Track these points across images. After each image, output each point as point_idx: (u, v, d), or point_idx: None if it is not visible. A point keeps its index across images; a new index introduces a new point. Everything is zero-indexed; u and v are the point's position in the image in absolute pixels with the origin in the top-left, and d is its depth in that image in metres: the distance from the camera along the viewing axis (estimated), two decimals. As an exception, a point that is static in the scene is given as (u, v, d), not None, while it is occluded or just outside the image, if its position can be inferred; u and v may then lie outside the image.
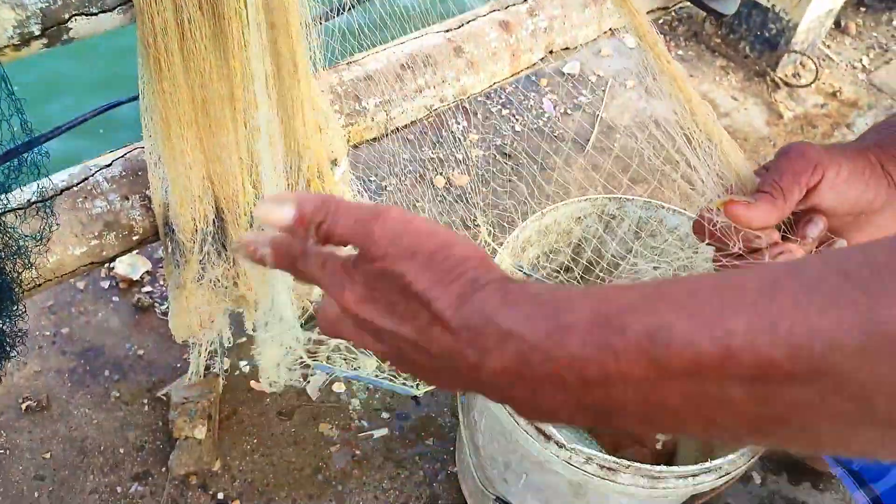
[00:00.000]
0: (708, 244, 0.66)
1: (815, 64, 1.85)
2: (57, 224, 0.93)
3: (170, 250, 1.04)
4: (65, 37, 0.80)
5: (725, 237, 0.63)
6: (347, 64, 1.20)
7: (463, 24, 1.29)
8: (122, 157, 1.05)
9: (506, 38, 1.30)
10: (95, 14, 0.80)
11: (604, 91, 1.81)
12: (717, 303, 0.31)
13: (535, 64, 1.38)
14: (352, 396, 1.26)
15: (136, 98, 0.99)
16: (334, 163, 1.11)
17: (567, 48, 1.42)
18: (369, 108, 1.19)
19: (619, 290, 0.34)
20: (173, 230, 1.02)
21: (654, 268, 0.99)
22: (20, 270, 0.92)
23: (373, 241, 0.40)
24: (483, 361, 0.36)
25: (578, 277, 1.06)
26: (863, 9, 2.09)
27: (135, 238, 1.05)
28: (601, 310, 0.33)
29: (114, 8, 0.81)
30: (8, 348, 0.90)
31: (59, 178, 1.01)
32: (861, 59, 1.96)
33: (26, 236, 0.89)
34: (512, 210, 1.53)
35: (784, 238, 0.63)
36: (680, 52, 1.92)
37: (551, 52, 1.38)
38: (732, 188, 0.66)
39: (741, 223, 0.62)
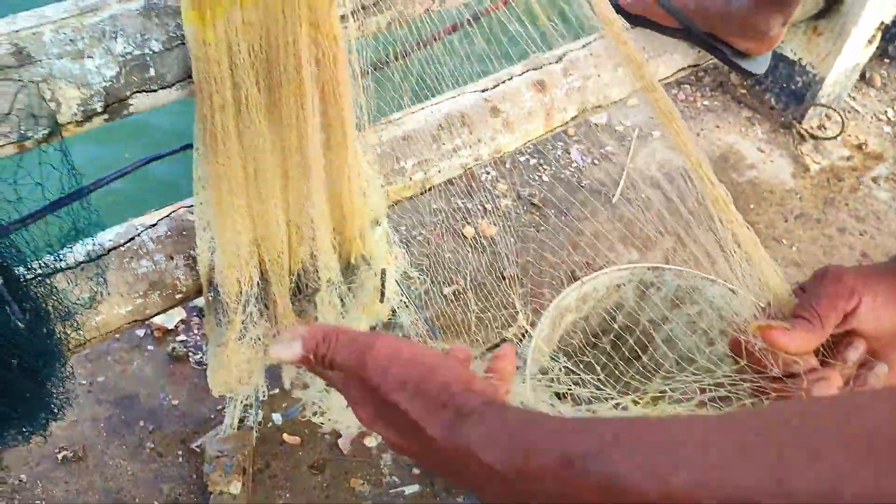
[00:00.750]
0: (746, 365, 0.67)
1: (841, 117, 1.86)
2: (108, 292, 0.94)
3: (213, 310, 1.06)
4: (125, 112, 0.82)
5: (763, 360, 0.64)
6: (386, 123, 1.23)
7: (499, 84, 1.31)
8: (168, 216, 1.07)
9: (541, 97, 1.32)
10: (155, 91, 0.82)
11: (630, 141, 1.83)
12: (662, 457, 0.37)
13: (568, 122, 1.39)
14: (383, 451, 1.26)
15: (175, 151, 1.02)
16: (375, 222, 1.12)
17: (599, 106, 1.44)
18: (407, 168, 1.21)
19: (583, 435, 0.40)
20: (217, 291, 1.03)
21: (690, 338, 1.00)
22: (69, 333, 0.94)
23: (367, 372, 0.48)
24: (471, 479, 0.44)
25: (609, 347, 1.07)
26: (887, 60, 2.10)
27: (178, 296, 1.07)
28: (567, 453, 0.40)
29: (173, 84, 0.83)
30: (56, 410, 0.92)
31: (107, 238, 1.03)
32: (886, 112, 1.98)
33: (77, 303, 0.91)
34: (539, 261, 1.54)
35: (823, 362, 0.64)
36: (706, 103, 1.94)
37: (584, 110, 1.40)
38: (770, 309, 0.67)
39: (778, 348, 0.63)
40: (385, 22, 0.95)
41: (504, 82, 1.31)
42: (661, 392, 0.75)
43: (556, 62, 1.36)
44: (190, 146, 0.90)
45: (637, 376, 1.08)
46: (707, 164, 0.97)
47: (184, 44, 0.80)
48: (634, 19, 1.45)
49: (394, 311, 1.20)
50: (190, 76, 0.83)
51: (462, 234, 1.59)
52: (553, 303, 0.94)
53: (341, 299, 1.10)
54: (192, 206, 1.09)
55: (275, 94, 0.85)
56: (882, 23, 1.75)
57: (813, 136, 1.87)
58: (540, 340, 0.88)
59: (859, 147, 1.88)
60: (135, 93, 0.80)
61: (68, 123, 0.78)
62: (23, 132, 0.75)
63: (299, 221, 1.00)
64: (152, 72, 0.80)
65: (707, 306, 1.04)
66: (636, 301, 1.06)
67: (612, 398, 0.76)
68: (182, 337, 1.35)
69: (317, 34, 0.83)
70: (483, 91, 1.29)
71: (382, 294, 1.13)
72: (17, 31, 0.73)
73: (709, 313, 1.04)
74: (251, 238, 0.98)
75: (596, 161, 1.78)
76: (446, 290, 1.48)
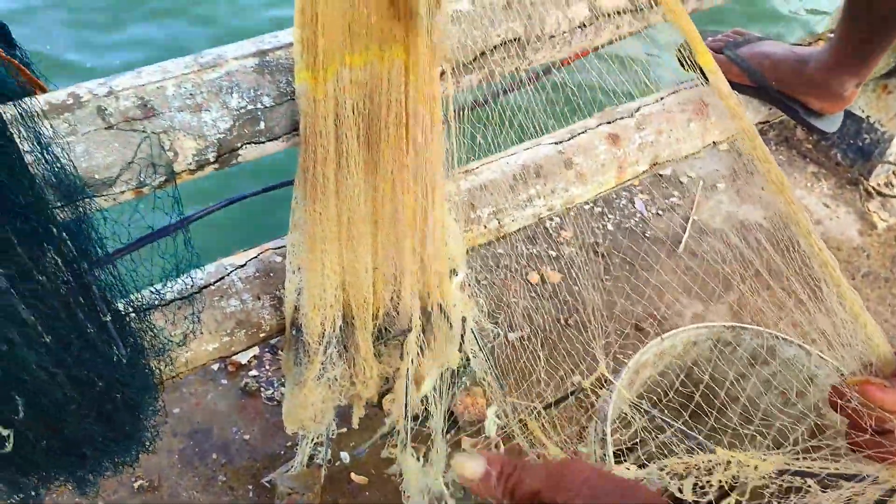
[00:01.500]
0: (840, 418, 0.67)
1: (910, 175, 1.85)
2: (200, 331, 0.98)
3: (293, 349, 1.09)
4: (234, 161, 0.87)
5: (858, 415, 0.65)
6: (465, 172, 1.26)
7: (574, 136, 1.34)
8: (256, 257, 1.12)
9: (614, 151, 1.35)
10: (263, 143, 0.86)
11: (695, 192, 1.83)
12: None
13: (639, 175, 1.41)
14: (450, 496, 1.27)
15: (277, 186, 1.06)
16: (454, 271, 1.15)
17: (670, 160, 1.46)
18: (483, 216, 1.23)
19: None
20: (300, 331, 1.06)
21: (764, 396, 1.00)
22: (162, 368, 0.97)
23: (561, 492, 0.46)
24: None
25: (679, 404, 1.08)
26: (956, 118, 2.08)
27: (261, 335, 1.10)
28: None
29: (280, 136, 0.87)
30: (147, 443, 0.95)
31: (198, 277, 1.07)
32: (955, 171, 1.95)
33: (171, 340, 0.95)
34: (604, 310, 1.55)
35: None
36: (771, 157, 1.94)
37: (656, 163, 1.42)
38: (873, 366, 0.68)
39: (875, 404, 0.64)
40: (477, 80, 0.99)
41: (578, 135, 1.34)
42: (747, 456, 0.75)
43: (630, 116, 1.38)
44: (292, 182, 0.94)
45: (710, 433, 1.08)
46: (814, 230, 0.98)
47: (292, 99, 0.85)
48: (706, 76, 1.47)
49: (466, 358, 1.22)
50: (296, 129, 0.87)
51: (527, 279, 1.61)
52: (634, 357, 0.95)
53: (419, 346, 1.12)
54: (278, 247, 1.14)
55: (373, 148, 0.89)
56: (954, 82, 1.74)
57: (880, 194, 1.86)
58: (623, 389, 0.89)
59: (928, 205, 1.86)
60: (245, 144, 0.85)
61: (182, 171, 0.82)
62: (142, 180, 0.79)
63: (385, 268, 1.03)
64: (262, 125, 0.84)
65: (782, 366, 1.04)
66: (711, 358, 1.06)
67: (695, 451, 0.76)
68: (254, 372, 1.39)
69: (417, 95, 0.86)
70: (558, 143, 1.32)
71: (460, 342, 1.15)
72: (142, 85, 0.78)
73: (784, 373, 1.04)
74: (338, 282, 1.01)
75: (660, 212, 1.79)
76: (512, 336, 1.49)
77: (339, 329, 1.07)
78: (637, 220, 1.76)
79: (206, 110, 0.80)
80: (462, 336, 1.15)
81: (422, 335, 1.12)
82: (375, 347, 1.10)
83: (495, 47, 0.96)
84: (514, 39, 0.97)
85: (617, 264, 1.65)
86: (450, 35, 0.84)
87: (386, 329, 1.09)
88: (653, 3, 1.05)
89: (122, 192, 0.80)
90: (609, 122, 1.36)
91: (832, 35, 1.69)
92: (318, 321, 1.04)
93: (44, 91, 0.82)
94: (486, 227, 1.25)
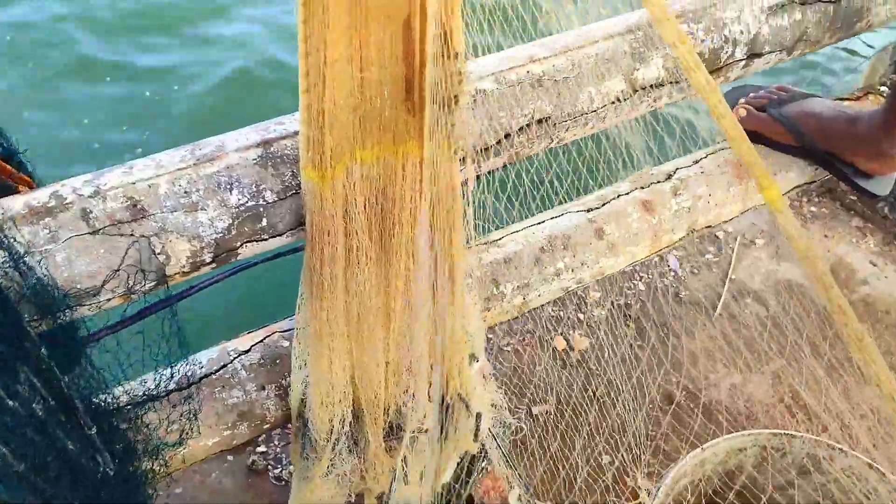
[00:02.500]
0: None
1: (963, 233, 1.73)
2: (199, 431, 0.91)
3: (300, 442, 1.01)
4: (233, 260, 0.79)
5: None
6: (486, 244, 1.18)
7: (605, 203, 1.25)
8: (261, 341, 1.04)
9: (648, 218, 1.25)
10: (266, 239, 0.79)
11: (732, 249, 1.73)
12: None
13: (675, 242, 1.32)
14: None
15: (285, 254, 0.97)
16: (473, 357, 1.07)
17: (710, 227, 1.37)
18: (507, 293, 1.15)
19: None
20: (307, 425, 0.99)
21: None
22: (156, 470, 0.90)
23: None
24: None
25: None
26: None
27: (266, 427, 1.02)
28: None
29: (284, 233, 0.79)
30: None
31: (199, 363, 1.00)
32: None
33: (166, 444, 0.87)
34: (634, 381, 1.46)
35: None
36: (813, 209, 1.84)
37: (693, 230, 1.32)
38: None
39: None
40: (502, 162, 0.91)
41: (610, 201, 1.25)
42: None
43: (666, 180, 1.29)
44: (302, 248, 0.86)
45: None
46: (850, 310, 0.88)
47: (297, 193, 0.77)
48: (749, 135, 1.37)
49: (483, 447, 1.13)
50: (301, 224, 0.79)
51: (553, 346, 1.52)
52: (670, 474, 0.86)
53: (436, 439, 1.04)
54: (286, 330, 1.06)
55: (386, 243, 0.81)
56: None
57: (931, 251, 1.74)
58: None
59: (983, 264, 1.74)
60: (245, 243, 0.77)
61: (175, 274, 0.75)
62: (130, 286, 0.72)
63: (398, 362, 0.95)
64: (264, 222, 0.77)
65: (834, 479, 0.94)
66: (756, 465, 0.97)
67: None
68: (262, 448, 1.31)
69: (435, 187, 0.78)
70: (588, 210, 1.23)
71: (476, 434, 1.06)
72: (133, 183, 0.71)
73: (835, 486, 0.94)
74: (348, 378, 0.94)
75: (695, 270, 1.69)
76: (535, 410, 1.40)
77: (348, 426, 0.99)
78: (671, 279, 1.67)
79: (202, 209, 0.73)
80: (478, 427, 1.07)
81: (439, 428, 1.04)
82: (387, 443, 1.02)
83: (522, 128, 0.88)
84: (544, 119, 0.89)
85: (649, 328, 1.56)
86: (470, 125, 0.76)
87: (399, 425, 1.01)
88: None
89: (109, 300, 0.73)
90: (643, 188, 1.27)
91: (883, 88, 1.59)
92: (326, 419, 0.96)
93: (30, 186, 0.75)
94: (509, 303, 1.16)
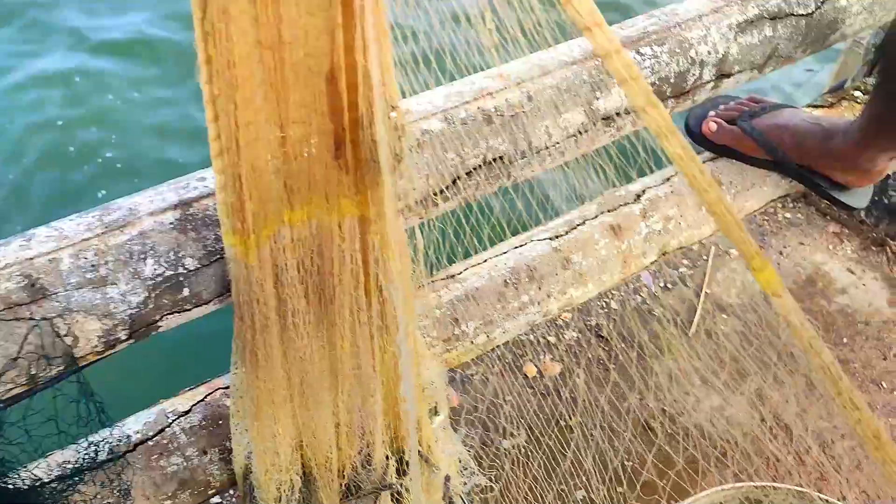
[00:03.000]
0: None
1: (941, 237, 1.69)
2: (130, 510, 0.83)
3: (248, 508, 0.93)
4: (152, 334, 0.71)
5: None
6: (445, 280, 1.10)
7: (570, 230, 1.18)
8: (202, 400, 0.96)
9: (617, 244, 1.19)
10: (189, 310, 0.71)
11: (706, 261, 1.68)
12: None
13: (647, 266, 1.26)
14: None
15: None
16: (434, 411, 1.00)
17: (682, 248, 1.30)
18: (469, 331, 1.08)
19: None
20: (253, 491, 0.91)
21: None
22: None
23: None
24: None
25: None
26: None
27: (210, 492, 0.95)
28: None
29: (209, 301, 0.72)
30: None
31: (133, 428, 0.92)
32: None
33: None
34: (608, 407, 1.40)
35: None
36: (788, 216, 1.78)
37: (665, 253, 1.26)
38: None
39: None
40: (452, 207, 0.83)
41: (576, 227, 1.18)
42: None
43: (634, 202, 1.22)
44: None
45: None
46: (827, 353, 0.82)
47: (223, 258, 0.69)
48: (719, 149, 1.31)
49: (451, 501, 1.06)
50: (229, 290, 0.71)
51: (524, 372, 1.45)
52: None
53: (396, 499, 0.97)
54: (229, 387, 0.98)
55: (327, 304, 0.73)
56: None
57: (909, 256, 1.70)
58: None
59: (962, 268, 1.70)
60: (166, 315, 0.69)
61: (87, 355, 0.67)
62: (33, 374, 0.64)
63: (351, 423, 0.88)
64: (186, 292, 0.69)
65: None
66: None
67: None
68: (217, 500, 1.23)
69: (378, 240, 0.71)
70: (554, 238, 1.17)
71: (444, 496, 0.99)
72: (30, 259, 0.63)
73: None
74: (294, 444, 0.86)
75: (669, 285, 1.63)
76: (506, 444, 1.34)
77: (298, 492, 0.91)
78: (643, 295, 1.61)
79: (112, 284, 0.65)
80: (446, 486, 1.00)
81: (400, 487, 0.97)
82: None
83: (474, 169, 0.81)
84: (497, 158, 0.81)
85: (622, 349, 1.50)
86: (418, 169, 0.69)
87: (356, 486, 0.94)
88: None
89: (10, 390, 0.65)
90: (610, 211, 1.21)
91: (857, 94, 1.53)
92: (272, 487, 0.89)
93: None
94: (472, 342, 1.09)
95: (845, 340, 1.56)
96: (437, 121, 0.78)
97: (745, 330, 1.55)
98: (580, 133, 0.87)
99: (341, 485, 0.93)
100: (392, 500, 0.96)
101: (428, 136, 0.77)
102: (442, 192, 0.77)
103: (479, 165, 0.79)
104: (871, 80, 1.46)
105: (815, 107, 1.44)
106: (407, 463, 0.96)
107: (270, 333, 0.71)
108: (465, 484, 1.08)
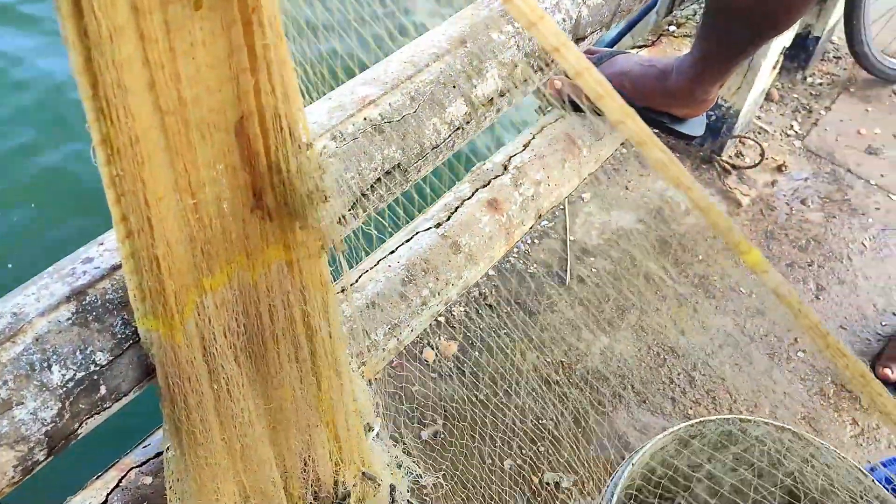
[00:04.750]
0: None
1: (760, 146, 1.85)
2: None
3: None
4: (73, 441, 0.63)
5: None
6: (343, 291, 1.06)
7: (451, 214, 1.17)
8: (118, 485, 0.87)
9: (497, 218, 1.20)
10: (109, 406, 0.63)
11: (563, 210, 1.74)
12: None
13: (527, 232, 1.28)
14: None
15: None
16: (367, 427, 0.96)
17: (553, 207, 1.33)
18: (379, 339, 1.05)
19: None
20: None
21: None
22: None
23: None
24: None
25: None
26: (775, 70, 2.12)
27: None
28: None
29: (130, 390, 0.64)
30: None
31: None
32: (791, 125, 1.99)
33: None
34: (512, 370, 1.42)
35: None
36: (623, 151, 1.88)
37: (540, 215, 1.29)
38: None
39: None
40: (359, 223, 0.79)
41: (456, 210, 1.18)
42: None
43: (503, 172, 1.23)
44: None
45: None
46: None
47: (136, 341, 0.62)
48: (570, 105, 1.35)
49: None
50: (150, 374, 0.64)
51: (424, 359, 1.44)
52: (603, 493, 0.82)
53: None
54: (143, 462, 0.89)
55: (257, 359, 0.68)
56: (784, 47, 1.74)
57: (735, 167, 1.85)
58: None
59: (779, 169, 1.87)
60: (85, 420, 0.61)
61: (3, 489, 0.58)
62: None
63: (296, 469, 0.83)
64: (104, 390, 0.61)
65: (753, 441, 0.96)
66: (676, 456, 0.96)
67: None
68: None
69: (309, 279, 0.66)
70: (438, 226, 1.15)
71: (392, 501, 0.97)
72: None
73: (756, 448, 0.96)
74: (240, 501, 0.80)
75: (536, 240, 1.67)
76: (424, 434, 1.33)
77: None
78: (516, 255, 1.64)
79: (18, 404, 0.56)
80: (393, 499, 0.97)
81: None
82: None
83: (375, 183, 0.77)
84: (395, 167, 0.78)
85: (510, 312, 1.52)
86: (333, 209, 0.64)
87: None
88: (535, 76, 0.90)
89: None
90: (484, 186, 1.21)
91: (672, 28, 1.62)
92: (226, 559, 0.82)
93: None
94: (384, 349, 1.07)
95: (701, 257, 1.68)
96: (326, 140, 0.73)
97: (613, 267, 1.63)
98: (466, 123, 0.85)
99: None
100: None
101: (325, 155, 0.72)
102: (351, 209, 0.73)
103: (379, 179, 0.76)
104: (681, 15, 1.55)
105: (640, 47, 1.52)
106: (354, 485, 0.93)
107: (205, 409, 0.65)
108: (408, 485, 1.06)
